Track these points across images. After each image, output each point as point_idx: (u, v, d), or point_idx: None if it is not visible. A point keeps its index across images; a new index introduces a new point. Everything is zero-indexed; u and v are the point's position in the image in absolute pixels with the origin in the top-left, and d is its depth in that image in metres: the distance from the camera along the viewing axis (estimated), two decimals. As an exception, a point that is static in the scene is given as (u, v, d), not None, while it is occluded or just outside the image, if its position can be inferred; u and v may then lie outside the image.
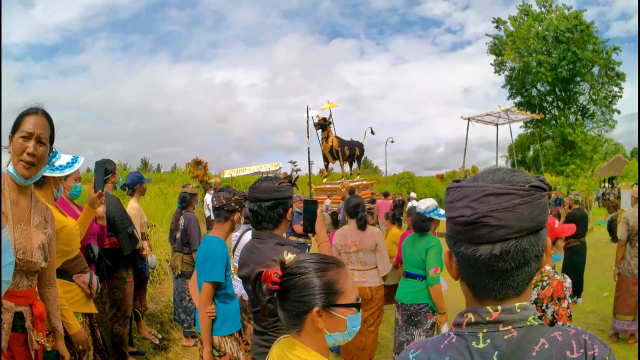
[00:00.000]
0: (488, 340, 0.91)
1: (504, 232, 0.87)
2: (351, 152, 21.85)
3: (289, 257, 1.38)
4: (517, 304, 0.92)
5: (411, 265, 3.99)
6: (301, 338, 1.34)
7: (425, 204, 4.05)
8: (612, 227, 13.32)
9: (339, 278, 1.33)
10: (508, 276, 0.90)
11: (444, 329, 2.94)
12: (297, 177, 2.49)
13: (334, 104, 21.07)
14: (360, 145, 22.78)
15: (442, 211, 4.01)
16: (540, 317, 2.65)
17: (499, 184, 0.90)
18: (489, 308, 0.92)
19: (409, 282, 4.01)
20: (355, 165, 21.71)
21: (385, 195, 16.16)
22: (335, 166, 21.76)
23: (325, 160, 21.42)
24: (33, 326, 2.09)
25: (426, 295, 3.86)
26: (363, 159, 23.14)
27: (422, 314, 3.87)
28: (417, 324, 3.88)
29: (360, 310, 1.38)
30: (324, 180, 22.71)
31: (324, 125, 20.10)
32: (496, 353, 0.89)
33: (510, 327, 0.90)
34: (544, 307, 2.66)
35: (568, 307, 2.62)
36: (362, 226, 4.31)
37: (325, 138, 20.43)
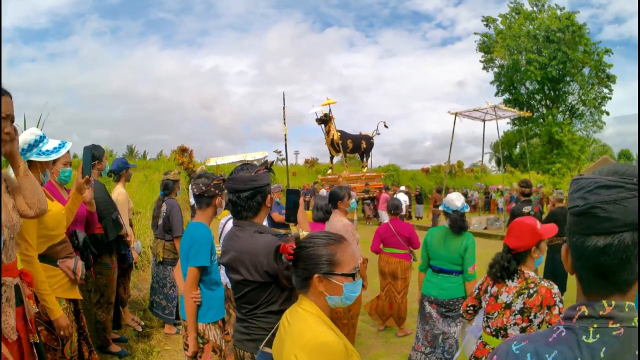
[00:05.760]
0: (598, 336, 0.90)
1: (609, 225, 0.88)
2: (356, 145, 22.47)
3: (303, 233, 1.73)
4: (626, 303, 0.91)
5: (447, 262, 3.99)
6: (308, 296, 1.65)
7: (459, 200, 3.95)
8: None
9: (338, 251, 1.62)
10: (611, 272, 0.91)
11: (476, 320, 2.96)
12: (273, 162, 2.46)
13: (333, 100, 21.77)
14: (367, 139, 23.30)
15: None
16: (525, 329, 2.49)
17: (611, 176, 0.91)
18: (604, 302, 0.92)
19: (444, 277, 4.02)
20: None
21: (385, 189, 16.27)
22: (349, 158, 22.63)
23: (330, 153, 22.29)
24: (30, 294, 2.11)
25: (463, 289, 3.96)
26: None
27: (458, 307, 3.95)
28: (455, 317, 3.98)
29: (358, 279, 1.65)
30: (329, 171, 23.66)
31: (325, 120, 21.11)
32: (604, 349, 0.87)
33: (618, 324, 0.89)
34: (531, 317, 2.47)
35: (560, 313, 2.41)
36: (321, 218, 4.48)
37: (327, 132, 21.32)
